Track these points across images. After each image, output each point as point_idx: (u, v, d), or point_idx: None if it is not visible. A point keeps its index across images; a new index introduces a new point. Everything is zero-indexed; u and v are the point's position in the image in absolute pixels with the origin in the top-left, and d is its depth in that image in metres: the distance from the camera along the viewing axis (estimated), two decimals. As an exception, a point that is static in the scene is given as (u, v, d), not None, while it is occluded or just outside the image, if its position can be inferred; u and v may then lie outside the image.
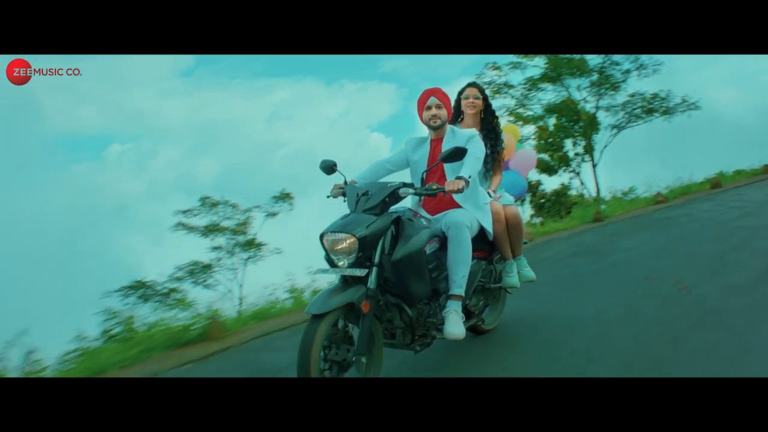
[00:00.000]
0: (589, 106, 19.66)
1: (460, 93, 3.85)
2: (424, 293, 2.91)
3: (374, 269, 2.66)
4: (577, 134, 20.28)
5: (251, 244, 19.73)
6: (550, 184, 22.40)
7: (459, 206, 3.23)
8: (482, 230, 3.36)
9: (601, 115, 19.69)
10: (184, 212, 22.09)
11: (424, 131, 3.45)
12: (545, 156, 21.19)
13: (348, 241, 2.61)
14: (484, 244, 3.45)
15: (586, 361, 3.20)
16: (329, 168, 3.09)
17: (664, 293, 4.36)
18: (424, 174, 3.13)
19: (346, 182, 3.12)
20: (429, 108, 3.24)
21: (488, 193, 3.57)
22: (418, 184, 3.10)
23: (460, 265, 2.97)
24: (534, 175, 22.02)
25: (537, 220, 17.96)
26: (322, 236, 2.70)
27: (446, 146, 3.17)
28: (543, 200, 22.36)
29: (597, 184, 19.22)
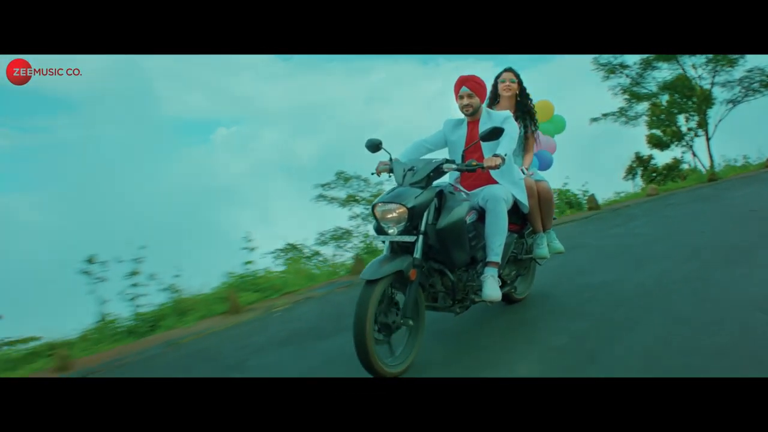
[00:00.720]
0: (704, 83, 20.42)
1: (497, 77, 4.02)
2: (464, 260, 3.11)
3: (420, 237, 2.87)
4: (690, 110, 21.08)
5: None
6: (663, 158, 23.26)
7: (495, 182, 3.44)
8: (515, 205, 3.56)
9: (716, 91, 20.37)
10: (323, 185, 25.62)
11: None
12: (657, 131, 22.15)
13: (398, 211, 2.84)
14: (516, 218, 3.63)
15: (702, 245, 5.44)
16: (375, 146, 3.28)
17: (763, 216, 6.40)
18: (464, 152, 3.40)
19: (391, 159, 3.31)
20: (461, 97, 3.45)
21: (521, 170, 3.77)
22: (458, 161, 3.35)
23: (497, 234, 3.21)
24: (645, 150, 23.07)
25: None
26: (373, 207, 2.94)
27: (483, 127, 3.34)
28: (654, 174, 23.29)
29: (711, 157, 20.06)
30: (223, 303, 5.58)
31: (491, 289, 3.14)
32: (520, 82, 4.00)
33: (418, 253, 2.84)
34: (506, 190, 3.38)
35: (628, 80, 20.56)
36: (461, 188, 3.39)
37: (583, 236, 6.86)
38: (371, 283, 2.66)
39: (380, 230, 2.95)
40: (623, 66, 20.16)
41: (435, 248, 2.96)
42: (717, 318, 3.20)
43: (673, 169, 22.74)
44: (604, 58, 20.06)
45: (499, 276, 3.32)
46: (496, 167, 3.06)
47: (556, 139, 4.70)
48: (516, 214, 3.58)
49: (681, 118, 21.87)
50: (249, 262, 6.63)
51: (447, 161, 3.14)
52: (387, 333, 2.82)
